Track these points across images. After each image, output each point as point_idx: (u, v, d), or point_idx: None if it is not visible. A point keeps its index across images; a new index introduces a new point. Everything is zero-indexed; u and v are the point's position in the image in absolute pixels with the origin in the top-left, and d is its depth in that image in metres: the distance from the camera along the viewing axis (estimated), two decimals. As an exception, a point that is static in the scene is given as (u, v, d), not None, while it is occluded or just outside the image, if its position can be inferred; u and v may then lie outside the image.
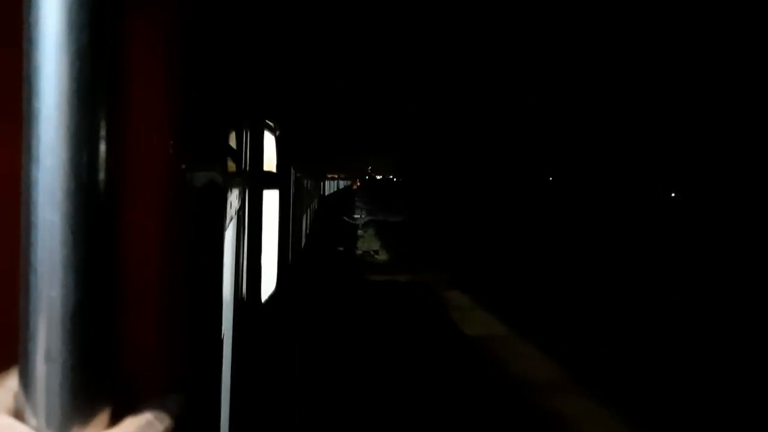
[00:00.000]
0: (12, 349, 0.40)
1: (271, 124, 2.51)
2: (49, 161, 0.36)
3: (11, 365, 0.40)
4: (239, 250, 1.58)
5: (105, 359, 0.39)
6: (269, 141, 2.53)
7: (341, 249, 15.61)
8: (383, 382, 6.46)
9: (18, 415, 0.39)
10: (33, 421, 0.38)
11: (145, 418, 0.41)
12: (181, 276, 0.63)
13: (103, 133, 0.38)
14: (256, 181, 1.90)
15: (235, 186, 1.44)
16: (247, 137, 1.70)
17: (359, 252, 16.96)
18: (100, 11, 0.37)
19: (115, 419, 0.40)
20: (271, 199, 2.69)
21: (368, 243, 18.66)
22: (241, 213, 1.60)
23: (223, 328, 1.34)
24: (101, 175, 0.38)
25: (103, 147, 0.38)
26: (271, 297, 2.61)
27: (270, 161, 2.64)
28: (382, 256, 16.48)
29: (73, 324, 0.37)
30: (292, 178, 4.52)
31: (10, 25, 0.42)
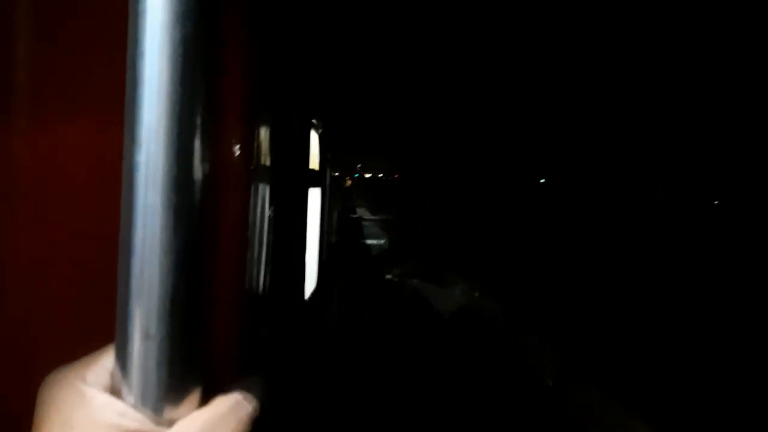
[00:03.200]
0: (106, 329, 0.41)
1: (315, 122, 2.54)
2: (153, 146, 0.38)
3: (106, 344, 0.42)
4: (286, 246, 1.60)
5: (199, 340, 0.40)
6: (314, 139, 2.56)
7: (358, 247, 15.82)
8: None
9: (114, 392, 0.40)
10: (129, 398, 0.39)
11: (234, 398, 0.42)
12: (250, 267, 0.64)
13: (201, 120, 0.39)
14: (302, 179, 1.92)
15: (284, 183, 1.46)
16: (295, 135, 1.72)
17: (372, 246, 17.11)
18: (203, 2, 0.38)
19: (206, 398, 0.41)
20: (313, 196, 2.72)
21: (377, 238, 18.89)
22: (287, 210, 1.62)
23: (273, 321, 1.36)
24: (199, 162, 0.39)
25: (201, 134, 0.39)
26: (313, 294, 2.64)
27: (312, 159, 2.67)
28: (392, 251, 16.62)
29: (171, 304, 0.38)
30: (329, 176, 4.55)
31: (116, 14, 0.43)
